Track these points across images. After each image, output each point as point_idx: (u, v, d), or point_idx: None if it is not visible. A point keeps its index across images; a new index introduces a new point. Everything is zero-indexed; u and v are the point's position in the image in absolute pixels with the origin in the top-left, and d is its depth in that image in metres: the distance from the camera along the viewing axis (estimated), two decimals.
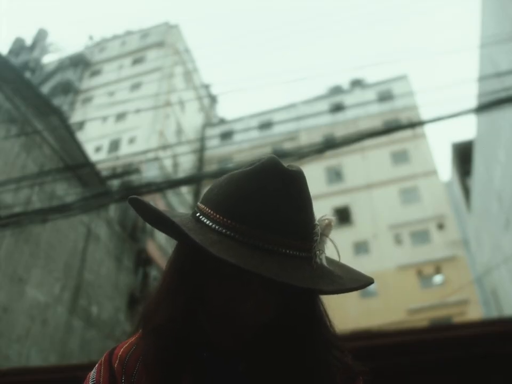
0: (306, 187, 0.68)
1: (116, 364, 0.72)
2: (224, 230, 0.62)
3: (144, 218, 0.73)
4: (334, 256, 0.71)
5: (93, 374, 0.73)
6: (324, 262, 0.66)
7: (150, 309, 0.72)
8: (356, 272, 0.71)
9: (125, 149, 22.05)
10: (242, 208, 0.62)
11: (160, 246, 13.99)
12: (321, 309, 0.73)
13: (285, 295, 0.66)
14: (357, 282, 0.67)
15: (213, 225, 0.63)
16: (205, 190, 0.71)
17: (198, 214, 0.67)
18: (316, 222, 0.67)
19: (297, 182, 0.66)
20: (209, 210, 0.65)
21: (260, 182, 0.64)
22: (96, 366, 0.74)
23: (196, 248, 0.62)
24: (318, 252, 0.65)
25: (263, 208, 0.62)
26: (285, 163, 0.67)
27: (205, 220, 0.65)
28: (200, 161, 25.50)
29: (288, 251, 0.62)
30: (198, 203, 0.70)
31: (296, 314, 0.68)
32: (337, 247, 0.70)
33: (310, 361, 0.68)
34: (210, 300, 0.65)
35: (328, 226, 0.67)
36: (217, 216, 0.63)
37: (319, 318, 0.72)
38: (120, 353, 0.74)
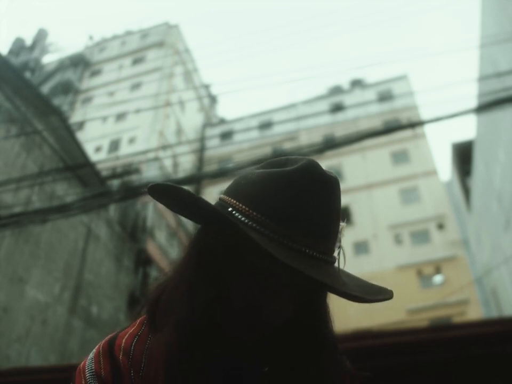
0: (339, 194, 0.68)
1: (120, 356, 0.68)
2: (262, 229, 0.61)
3: (170, 204, 0.67)
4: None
5: (89, 364, 0.69)
6: None
7: (166, 300, 0.69)
8: (358, 279, 0.71)
9: (125, 149, 22.03)
10: (279, 208, 0.61)
11: (160, 246, 13.99)
12: (329, 313, 0.73)
13: (308, 297, 0.67)
14: (378, 294, 0.66)
15: (249, 223, 0.61)
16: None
17: (230, 209, 0.64)
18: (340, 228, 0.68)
19: (335, 188, 0.66)
20: (244, 207, 0.63)
21: (300, 184, 0.63)
22: (92, 357, 0.69)
23: (227, 242, 0.62)
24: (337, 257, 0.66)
25: (299, 211, 0.62)
26: None
27: (239, 216, 0.62)
28: (200, 161, 25.50)
29: (320, 255, 0.62)
30: (224, 196, 0.67)
31: (311, 315, 0.69)
32: (345, 253, 0.70)
33: (319, 364, 0.68)
34: (237, 294, 0.64)
35: (341, 232, 0.69)
36: (254, 213, 0.62)
37: (327, 322, 0.72)
38: (123, 345, 0.70)
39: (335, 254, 0.67)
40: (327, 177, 0.65)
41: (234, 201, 0.64)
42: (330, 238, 0.65)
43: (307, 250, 0.61)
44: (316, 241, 0.62)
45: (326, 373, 0.68)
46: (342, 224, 0.70)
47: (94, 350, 0.71)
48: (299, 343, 0.68)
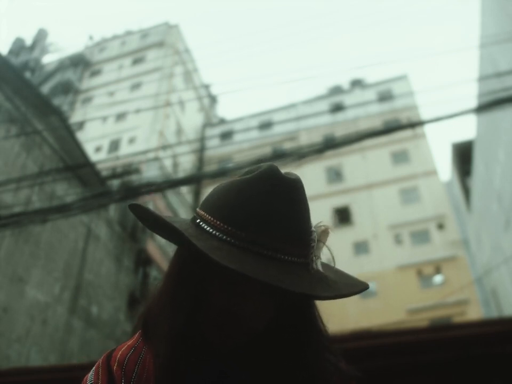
0: (304, 194, 0.69)
1: (114, 367, 0.73)
2: (224, 236, 0.63)
3: (144, 224, 0.75)
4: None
5: (90, 376, 0.73)
6: (320, 268, 0.67)
7: (153, 313, 0.73)
8: (350, 277, 0.72)
9: (125, 149, 22.04)
10: (242, 214, 0.64)
11: (160, 246, 13.99)
12: (316, 313, 0.74)
13: (282, 299, 0.67)
14: (352, 287, 0.68)
15: (213, 231, 0.64)
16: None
17: (198, 220, 0.68)
18: (313, 229, 0.68)
19: (295, 189, 0.67)
20: (209, 217, 0.66)
21: (258, 189, 0.65)
22: (93, 369, 0.75)
23: (197, 254, 0.63)
24: (314, 258, 0.66)
25: (261, 215, 0.63)
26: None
27: (205, 226, 0.66)
28: (200, 161, 25.52)
29: (286, 257, 0.63)
30: (197, 209, 0.71)
31: (292, 318, 0.69)
32: (333, 253, 0.71)
33: (304, 365, 0.69)
34: (211, 304, 0.66)
35: (325, 233, 0.69)
36: (217, 222, 0.65)
37: (314, 323, 0.73)
38: (118, 356, 0.74)
39: (312, 254, 0.67)
40: (286, 179, 0.67)
41: (203, 213, 0.68)
42: (296, 238, 0.65)
43: (269, 253, 0.62)
44: (281, 243, 0.63)
45: (310, 376, 0.69)
46: (327, 225, 0.69)
47: (97, 363, 0.76)
48: (283, 347, 0.69)
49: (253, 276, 0.58)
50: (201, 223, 0.67)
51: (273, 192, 0.65)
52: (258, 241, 0.62)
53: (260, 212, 0.63)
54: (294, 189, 0.67)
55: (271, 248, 0.62)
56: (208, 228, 0.65)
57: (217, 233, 0.64)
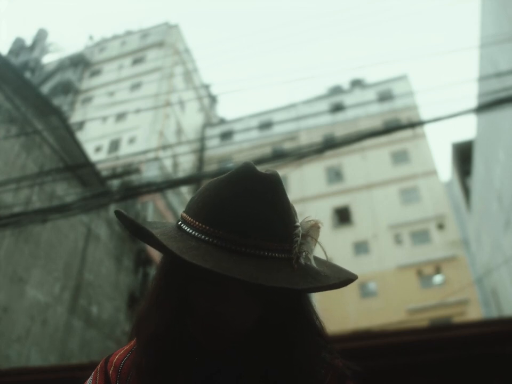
0: (282, 190, 0.69)
1: (110, 371, 0.75)
2: (202, 236, 0.64)
3: (128, 231, 0.75)
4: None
5: (89, 381, 0.77)
6: (313, 263, 0.67)
7: (141, 317, 0.74)
8: (343, 271, 0.72)
9: (125, 149, 22.04)
10: (219, 213, 0.64)
11: None
12: (310, 310, 0.73)
13: (269, 297, 0.66)
14: (339, 279, 0.68)
15: (193, 232, 0.65)
16: None
17: (180, 223, 0.69)
18: (297, 224, 0.68)
19: (272, 185, 0.67)
20: (190, 218, 0.67)
21: (235, 187, 0.66)
22: (92, 373, 0.77)
23: (174, 257, 0.63)
24: (303, 253, 0.66)
25: (238, 213, 0.64)
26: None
27: (186, 228, 0.67)
28: (200, 161, 25.51)
29: (266, 253, 0.63)
30: (181, 212, 0.72)
31: (281, 316, 0.69)
32: (324, 248, 0.71)
33: (295, 363, 0.68)
34: (196, 305, 0.66)
35: (314, 228, 0.68)
36: (197, 223, 0.66)
37: (306, 320, 0.72)
38: (115, 361, 0.77)
39: (295, 248, 0.66)
40: (262, 175, 0.67)
41: (185, 215, 0.69)
42: (276, 233, 0.65)
43: (247, 250, 0.62)
44: (261, 240, 0.63)
45: (301, 373, 0.68)
46: (316, 220, 0.69)
47: (96, 367, 0.78)
48: (273, 345, 0.68)
49: (226, 273, 0.58)
50: (182, 225, 0.68)
51: (250, 190, 0.65)
52: (237, 239, 0.62)
53: (237, 210, 0.64)
54: (271, 185, 0.67)
55: (250, 246, 0.62)
56: (188, 229, 0.66)
57: (196, 234, 0.65)
